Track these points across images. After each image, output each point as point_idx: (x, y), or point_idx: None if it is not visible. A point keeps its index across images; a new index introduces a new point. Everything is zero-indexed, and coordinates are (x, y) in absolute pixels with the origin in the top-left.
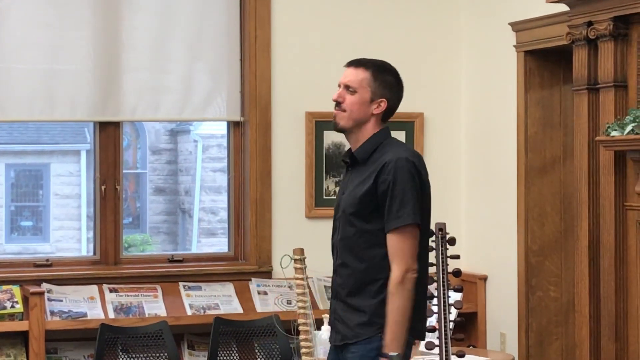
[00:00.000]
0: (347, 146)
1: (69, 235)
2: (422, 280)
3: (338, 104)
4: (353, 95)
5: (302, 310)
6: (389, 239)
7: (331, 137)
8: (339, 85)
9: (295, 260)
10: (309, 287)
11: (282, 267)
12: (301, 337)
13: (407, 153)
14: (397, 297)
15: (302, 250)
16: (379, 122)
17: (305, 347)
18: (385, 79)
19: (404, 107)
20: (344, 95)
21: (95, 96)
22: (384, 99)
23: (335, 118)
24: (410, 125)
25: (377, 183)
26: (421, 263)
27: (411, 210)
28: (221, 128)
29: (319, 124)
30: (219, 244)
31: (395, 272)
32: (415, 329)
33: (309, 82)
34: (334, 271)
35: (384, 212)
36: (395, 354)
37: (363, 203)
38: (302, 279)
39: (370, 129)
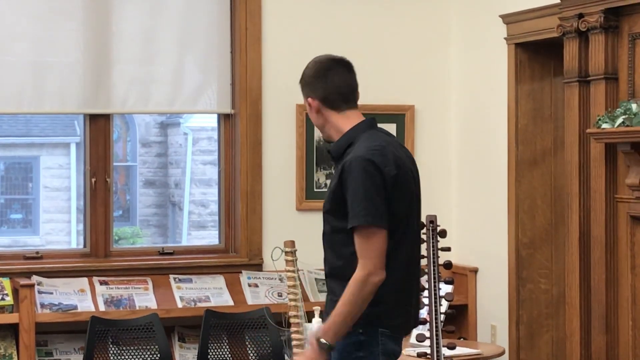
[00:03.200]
0: None
1: (59, 228)
2: (394, 276)
3: None
4: (307, 111)
5: (293, 303)
6: (354, 238)
7: None
8: None
9: (286, 252)
10: (299, 280)
11: (273, 260)
12: (292, 329)
13: (368, 151)
14: (350, 293)
15: (292, 243)
16: (339, 117)
17: (296, 340)
18: (302, 81)
19: (395, 100)
20: None
21: (85, 88)
22: (309, 97)
23: None
24: (401, 117)
25: (341, 182)
26: (392, 260)
27: (363, 211)
28: (211, 121)
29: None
30: (209, 237)
31: (358, 272)
32: (392, 326)
33: (300, 74)
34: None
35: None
36: (325, 342)
37: (333, 201)
38: (293, 271)
39: (338, 126)
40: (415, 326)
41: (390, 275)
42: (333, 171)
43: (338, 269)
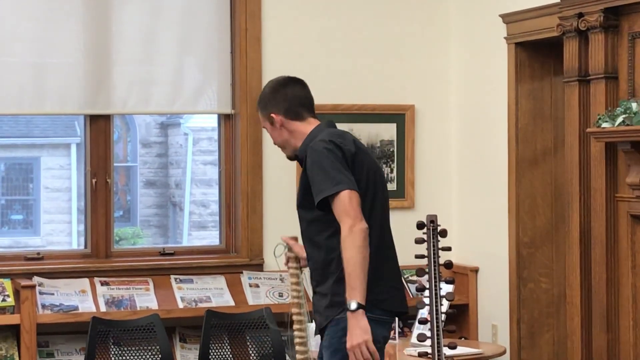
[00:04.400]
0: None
1: (60, 228)
2: (378, 254)
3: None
4: (269, 132)
5: (295, 300)
6: (332, 210)
7: None
8: None
9: (289, 248)
10: (302, 277)
11: (275, 256)
12: (295, 327)
13: (326, 137)
14: (346, 250)
15: (295, 239)
16: (301, 125)
17: (299, 337)
18: (262, 102)
19: (395, 100)
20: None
21: (86, 89)
22: (272, 114)
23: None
24: (401, 117)
25: (304, 173)
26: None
27: (331, 181)
28: (212, 121)
29: None
30: (210, 237)
31: (342, 230)
32: (378, 302)
33: (300, 74)
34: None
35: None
36: (357, 303)
37: (303, 193)
38: (295, 267)
39: (303, 132)
40: (405, 309)
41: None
42: None
43: (320, 260)
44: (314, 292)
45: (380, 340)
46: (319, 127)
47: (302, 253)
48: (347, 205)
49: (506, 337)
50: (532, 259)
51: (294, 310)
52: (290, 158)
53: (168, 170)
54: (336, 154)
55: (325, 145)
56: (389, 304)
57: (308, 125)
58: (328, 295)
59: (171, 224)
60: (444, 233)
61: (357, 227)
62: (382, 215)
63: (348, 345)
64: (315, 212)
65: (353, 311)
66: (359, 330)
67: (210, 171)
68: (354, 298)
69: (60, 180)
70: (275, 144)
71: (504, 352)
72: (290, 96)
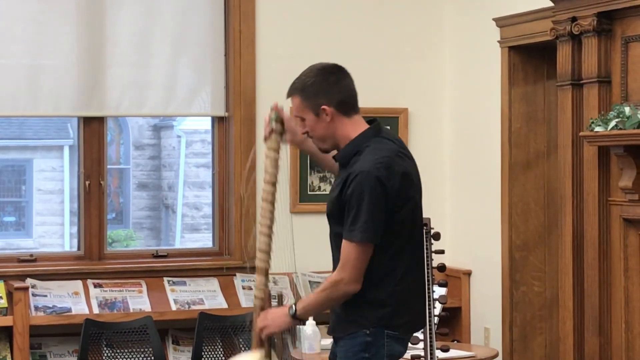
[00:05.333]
0: None
1: (52, 230)
2: (400, 278)
3: (307, 133)
4: (304, 121)
5: (268, 195)
6: (342, 244)
7: None
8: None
9: (278, 120)
10: (294, 284)
11: (272, 120)
12: (259, 239)
13: (373, 165)
14: (322, 292)
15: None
16: (349, 123)
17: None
18: (311, 88)
19: (388, 103)
20: (302, 126)
21: (80, 91)
22: (323, 105)
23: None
24: (394, 120)
25: (343, 192)
26: (398, 263)
27: (361, 227)
28: (205, 123)
29: None
30: (203, 240)
31: (334, 275)
32: (398, 326)
33: (294, 77)
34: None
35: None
36: (294, 308)
37: (334, 207)
38: (276, 148)
39: (346, 134)
40: (422, 325)
41: (394, 278)
42: (327, 174)
43: None
44: None
45: (397, 356)
46: (365, 136)
47: (293, 127)
48: (352, 260)
49: (498, 340)
50: (525, 262)
51: (263, 219)
52: (325, 151)
53: (161, 173)
54: (378, 195)
55: (370, 181)
56: (409, 328)
57: (354, 127)
58: (350, 313)
59: (164, 226)
60: (437, 236)
61: (345, 287)
62: (416, 242)
63: (260, 323)
64: (341, 228)
65: (290, 315)
66: (277, 321)
67: (203, 174)
68: (298, 309)
69: (53, 182)
70: (310, 135)
71: (496, 355)
72: (345, 88)
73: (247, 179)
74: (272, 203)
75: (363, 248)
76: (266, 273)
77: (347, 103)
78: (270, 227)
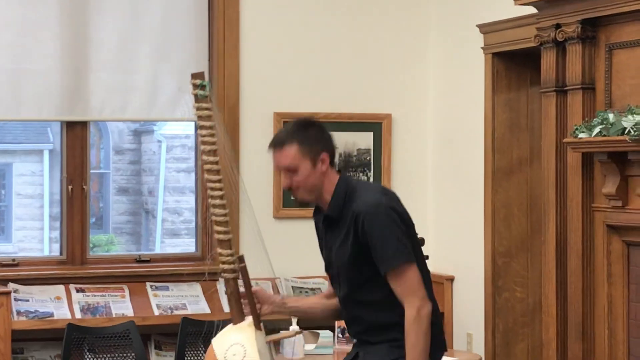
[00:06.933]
0: None
1: (32, 235)
2: (431, 293)
3: (291, 186)
4: (296, 173)
5: (210, 165)
6: (390, 282)
7: None
8: (279, 170)
9: (196, 85)
10: (277, 288)
11: (200, 90)
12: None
13: (378, 198)
14: (411, 335)
15: (202, 74)
16: (331, 172)
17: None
18: (310, 136)
19: (372, 109)
20: (289, 179)
21: (63, 96)
22: (322, 152)
23: (297, 198)
24: (378, 126)
25: (358, 235)
26: (422, 281)
27: (396, 252)
28: (185, 128)
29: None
30: (183, 245)
31: (408, 311)
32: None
33: (278, 82)
34: (346, 322)
35: (375, 259)
36: None
37: (354, 257)
38: (208, 110)
39: (329, 185)
40: (446, 349)
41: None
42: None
43: (374, 321)
44: (363, 342)
45: None
46: (346, 181)
47: (265, 295)
48: (414, 283)
49: (481, 345)
50: (508, 269)
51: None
52: (302, 203)
53: (141, 178)
54: (396, 221)
55: (385, 209)
56: (444, 344)
57: (332, 175)
58: (386, 333)
59: (144, 231)
60: (421, 242)
61: (425, 310)
62: (426, 267)
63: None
64: (369, 272)
65: None
66: None
67: (183, 179)
68: None
69: (33, 186)
70: (296, 186)
71: None
72: (332, 139)
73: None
74: (218, 172)
75: (410, 267)
76: (228, 245)
77: (334, 155)
78: (221, 197)
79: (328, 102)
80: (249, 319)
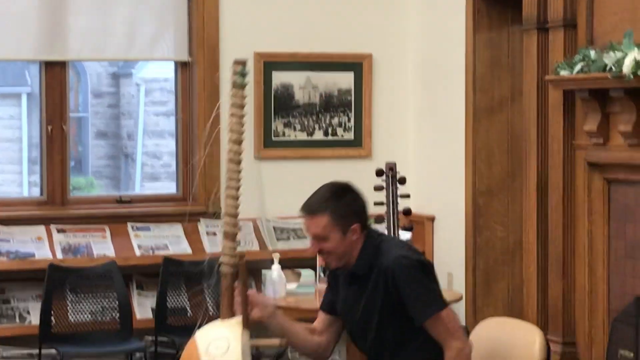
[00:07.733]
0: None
1: (11, 179)
2: None
3: (320, 251)
4: (327, 241)
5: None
6: (428, 330)
7: (280, 78)
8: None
9: (237, 74)
10: (257, 227)
11: (240, 77)
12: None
13: (405, 252)
14: None
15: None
16: (361, 237)
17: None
18: (343, 206)
19: (352, 49)
20: (318, 245)
21: (42, 36)
22: (354, 223)
23: (326, 263)
24: (358, 66)
25: (388, 290)
26: None
27: (432, 300)
28: (165, 71)
29: (268, 65)
30: (162, 189)
31: (448, 352)
32: None
33: (258, 22)
34: None
35: (408, 311)
36: None
37: (385, 311)
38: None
39: (357, 248)
40: None
41: None
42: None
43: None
44: None
45: None
46: (371, 241)
47: (262, 300)
48: (450, 327)
49: (462, 285)
50: (488, 208)
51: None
52: (333, 268)
53: (120, 121)
54: (425, 271)
55: (413, 262)
56: None
57: (363, 238)
58: None
59: (123, 175)
60: (403, 180)
61: (467, 349)
62: None
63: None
64: (402, 323)
65: None
66: None
67: (162, 122)
68: None
69: (11, 130)
70: (326, 253)
71: (460, 299)
72: (366, 207)
73: (209, 135)
74: (239, 163)
75: (448, 312)
76: (234, 238)
77: (367, 222)
78: (237, 189)
79: (308, 42)
80: (238, 317)
